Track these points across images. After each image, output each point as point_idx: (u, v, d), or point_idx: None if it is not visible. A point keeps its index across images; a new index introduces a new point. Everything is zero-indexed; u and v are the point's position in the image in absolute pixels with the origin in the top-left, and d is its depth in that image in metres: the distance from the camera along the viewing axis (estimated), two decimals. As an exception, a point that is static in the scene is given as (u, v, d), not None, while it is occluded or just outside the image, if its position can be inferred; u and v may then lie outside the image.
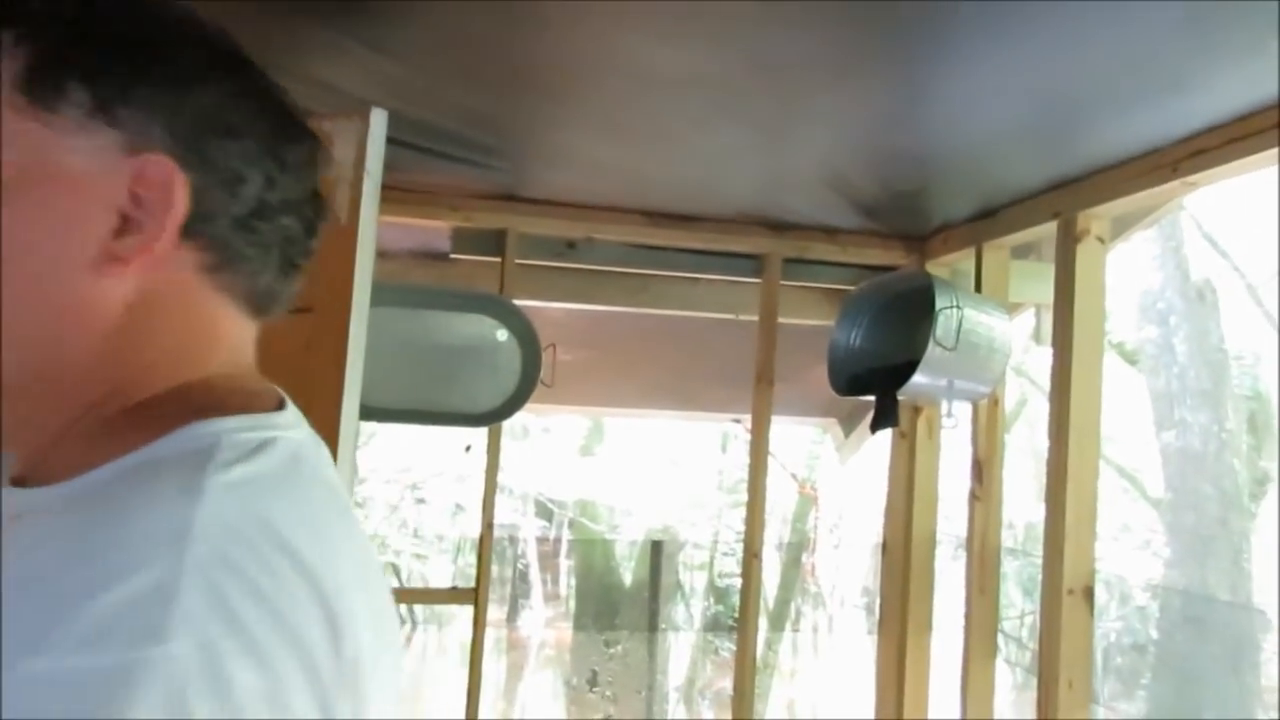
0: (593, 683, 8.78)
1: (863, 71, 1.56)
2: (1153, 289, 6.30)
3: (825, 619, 13.25)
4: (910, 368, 2.40)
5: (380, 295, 2.58)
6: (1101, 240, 2.29)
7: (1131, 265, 6.63)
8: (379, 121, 1.56)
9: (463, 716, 2.68)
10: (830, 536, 12.86)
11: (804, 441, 11.69)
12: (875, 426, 2.55)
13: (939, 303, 2.33)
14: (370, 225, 1.56)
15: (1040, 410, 11.52)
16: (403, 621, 11.00)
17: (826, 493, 12.09)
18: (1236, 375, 7.63)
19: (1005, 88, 1.64)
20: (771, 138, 1.93)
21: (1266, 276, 9.14)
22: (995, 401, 2.65)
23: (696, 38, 1.46)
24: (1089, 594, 2.20)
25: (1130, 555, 10.85)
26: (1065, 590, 2.17)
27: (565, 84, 1.71)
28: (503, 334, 2.64)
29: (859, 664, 11.94)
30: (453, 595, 3.36)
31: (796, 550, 11.38)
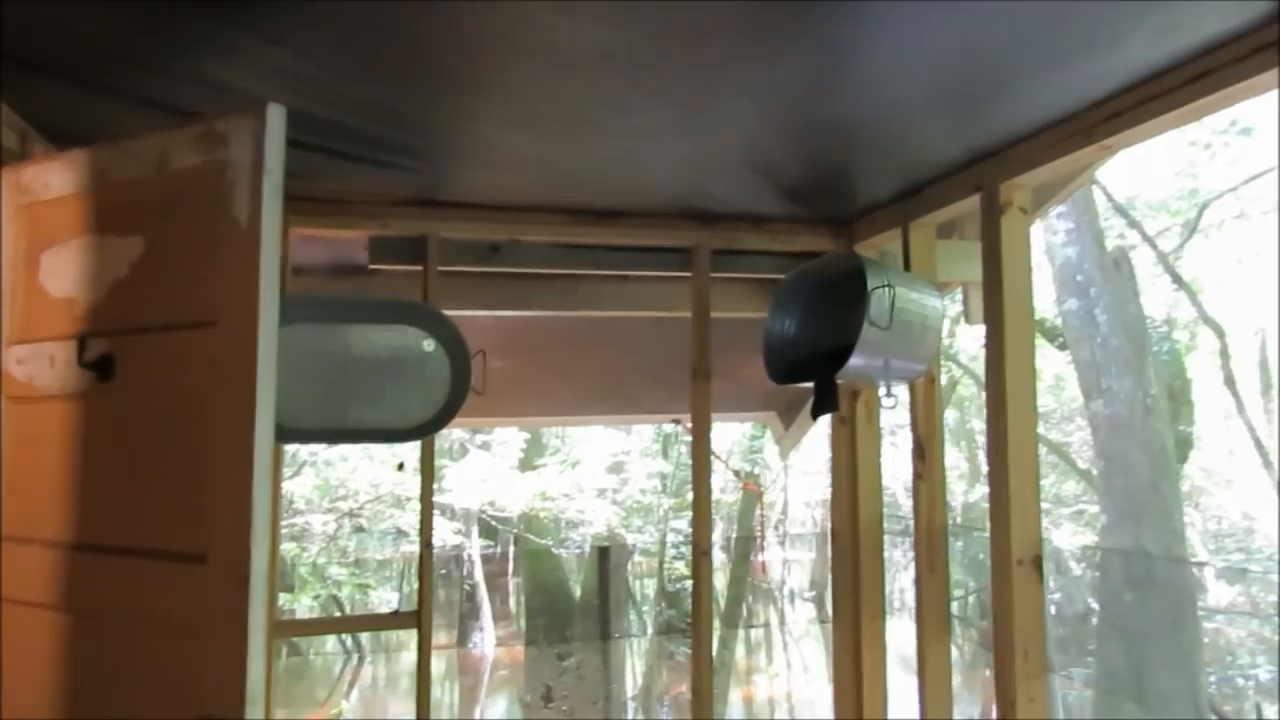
0: (547, 698, 8.63)
1: (780, 37, 1.52)
2: (1071, 261, 6.47)
3: (776, 614, 13.31)
4: (846, 351, 2.38)
5: (295, 310, 2.47)
6: (1024, 211, 2.30)
7: (1045, 241, 6.83)
8: (276, 117, 1.46)
9: (413, 745, 2.57)
10: (775, 531, 12.94)
11: (743, 438, 11.75)
12: (816, 412, 2.52)
13: (871, 283, 2.31)
14: (274, 229, 1.46)
15: (969, 392, 11.80)
16: (349, 653, 10.67)
17: (770, 488, 12.17)
18: (1154, 342, 7.89)
19: (923, 51, 1.63)
20: (690, 115, 1.88)
21: (1176, 244, 9.53)
22: (932, 380, 2.65)
23: (601, 6, 1.40)
24: (1038, 563, 2.20)
25: (1064, 526, 11.17)
26: (1015, 562, 2.17)
27: (471, 68, 1.64)
28: (429, 343, 2.54)
29: (813, 656, 12.04)
30: (394, 620, 3.23)
31: (744, 547, 11.40)
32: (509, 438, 10.83)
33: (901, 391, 2.60)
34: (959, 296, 3.50)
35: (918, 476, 2.64)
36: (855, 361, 2.34)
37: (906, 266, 2.68)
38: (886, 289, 2.32)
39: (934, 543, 2.59)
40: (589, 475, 11.09)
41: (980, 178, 2.31)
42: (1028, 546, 2.19)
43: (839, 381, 2.53)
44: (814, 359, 2.64)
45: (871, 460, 2.96)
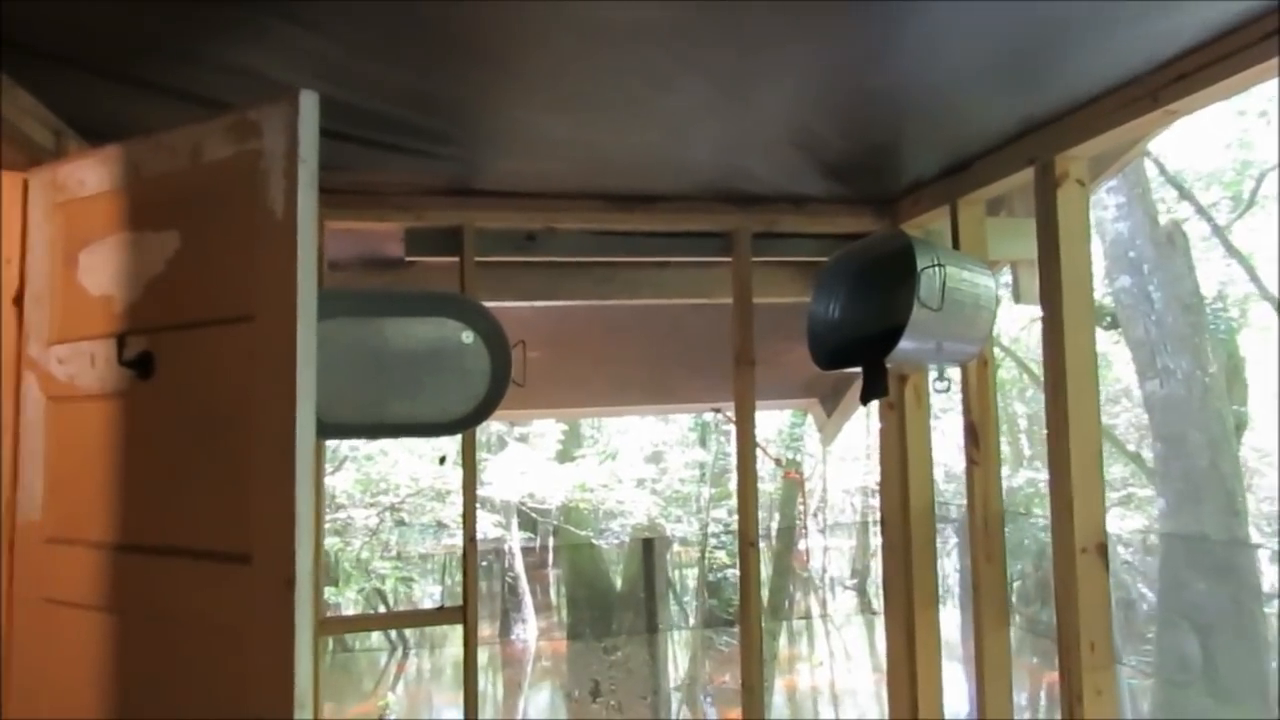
0: (595, 693, 8.60)
1: (827, 9, 1.44)
2: (1123, 237, 6.26)
3: (818, 603, 13.20)
4: (895, 334, 2.30)
5: (332, 304, 2.44)
6: (1081, 183, 2.20)
7: (1095, 217, 6.61)
8: (309, 104, 1.42)
9: (461, 739, 2.55)
10: (814, 520, 12.82)
11: (784, 425, 11.63)
12: (865, 398, 2.44)
13: (920, 262, 2.22)
14: (310, 218, 1.42)
15: (1010, 375, 11.56)
16: (394, 646, 10.76)
17: (809, 476, 12.05)
18: (1211, 319, 7.60)
19: (977, 12, 1.54)
20: (732, 92, 1.81)
21: (1228, 217, 9.20)
22: (985, 362, 2.56)
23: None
24: (1102, 550, 2.11)
25: (1111, 511, 10.88)
26: (1078, 549, 2.08)
27: (508, 48, 1.58)
28: (468, 335, 2.50)
29: (856, 645, 11.92)
30: (440, 615, 3.22)
31: (787, 536, 11.30)
32: (547, 430, 10.84)
33: (953, 375, 2.52)
34: (1007, 275, 3.40)
35: (971, 462, 2.55)
36: (905, 345, 2.26)
37: (955, 245, 2.59)
38: (937, 268, 2.24)
39: (991, 530, 2.51)
40: (627, 466, 11.06)
41: (1034, 149, 2.22)
42: (1092, 533, 2.10)
43: (888, 366, 2.44)
44: (860, 343, 2.56)
45: (922, 446, 2.87)
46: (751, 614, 2.76)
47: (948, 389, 2.43)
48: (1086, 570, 2.08)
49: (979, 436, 2.55)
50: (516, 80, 1.73)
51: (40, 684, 1.68)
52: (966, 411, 2.58)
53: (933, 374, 2.56)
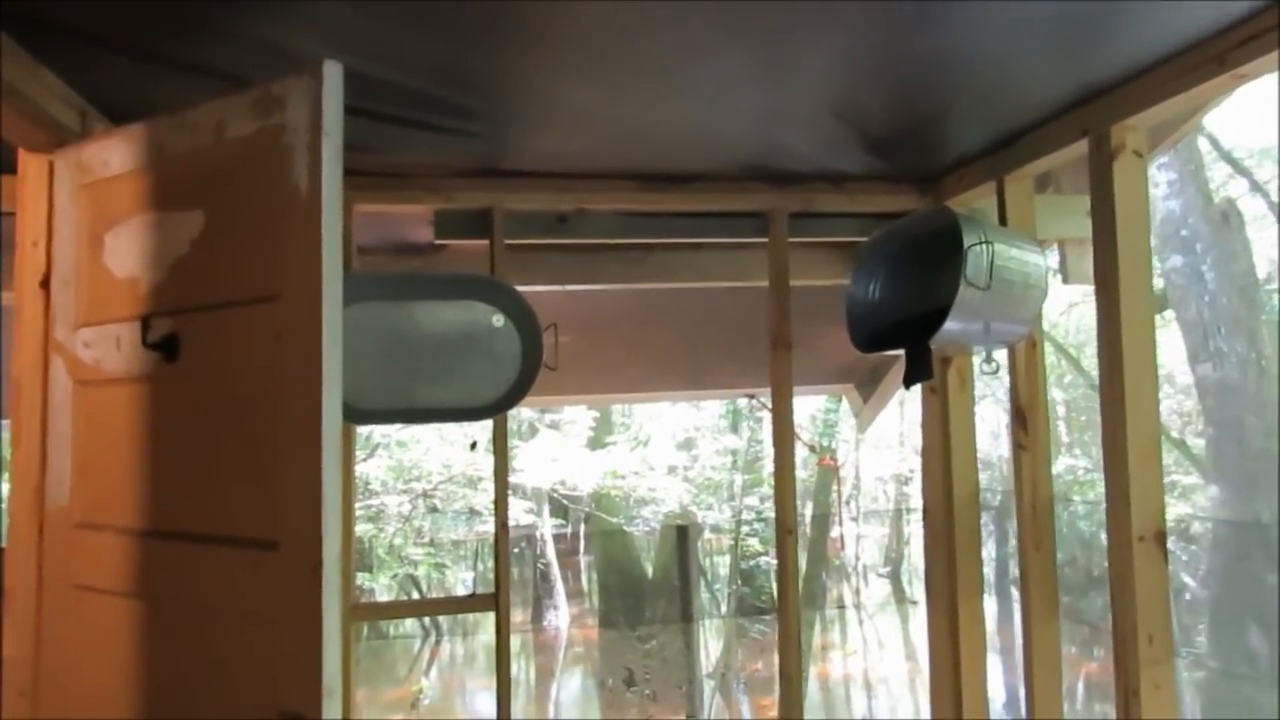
0: (629, 682, 8.54)
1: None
2: (1174, 215, 6.04)
3: (850, 591, 13.08)
4: (940, 315, 2.21)
5: (360, 288, 2.41)
6: (1139, 155, 2.10)
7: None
8: (333, 75, 1.37)
9: (494, 722, 2.52)
10: (848, 508, 12.68)
11: (818, 411, 11.49)
12: (909, 381, 2.36)
13: (967, 240, 2.13)
14: (335, 194, 1.37)
15: (1049, 359, 11.30)
16: (427, 632, 10.83)
17: (844, 463, 11.91)
18: (1266, 300, 7.31)
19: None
20: (773, 59, 1.73)
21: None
22: (1033, 343, 2.47)
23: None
24: (1161, 539, 2.02)
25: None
26: (1136, 538, 1.99)
27: (541, 15, 1.52)
28: (499, 318, 2.45)
29: (888, 633, 11.79)
30: (473, 602, 3.19)
31: (822, 525, 11.17)
32: (578, 417, 10.81)
33: (998, 357, 2.43)
34: (1054, 256, 3.28)
35: (1020, 447, 2.46)
36: (952, 326, 2.17)
37: (1002, 224, 2.49)
38: (984, 245, 2.15)
39: (1040, 517, 2.42)
40: (659, 452, 11.00)
41: (1088, 120, 2.11)
42: (1150, 521, 2.00)
43: (932, 348, 2.36)
44: (902, 325, 2.48)
45: (966, 432, 2.78)
46: (790, 602, 2.69)
47: (996, 371, 2.33)
48: (1144, 559, 1.99)
49: (1027, 420, 2.45)
50: (548, 50, 1.66)
51: (69, 670, 1.66)
52: (1014, 395, 2.49)
53: (979, 357, 2.47)
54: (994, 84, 1.97)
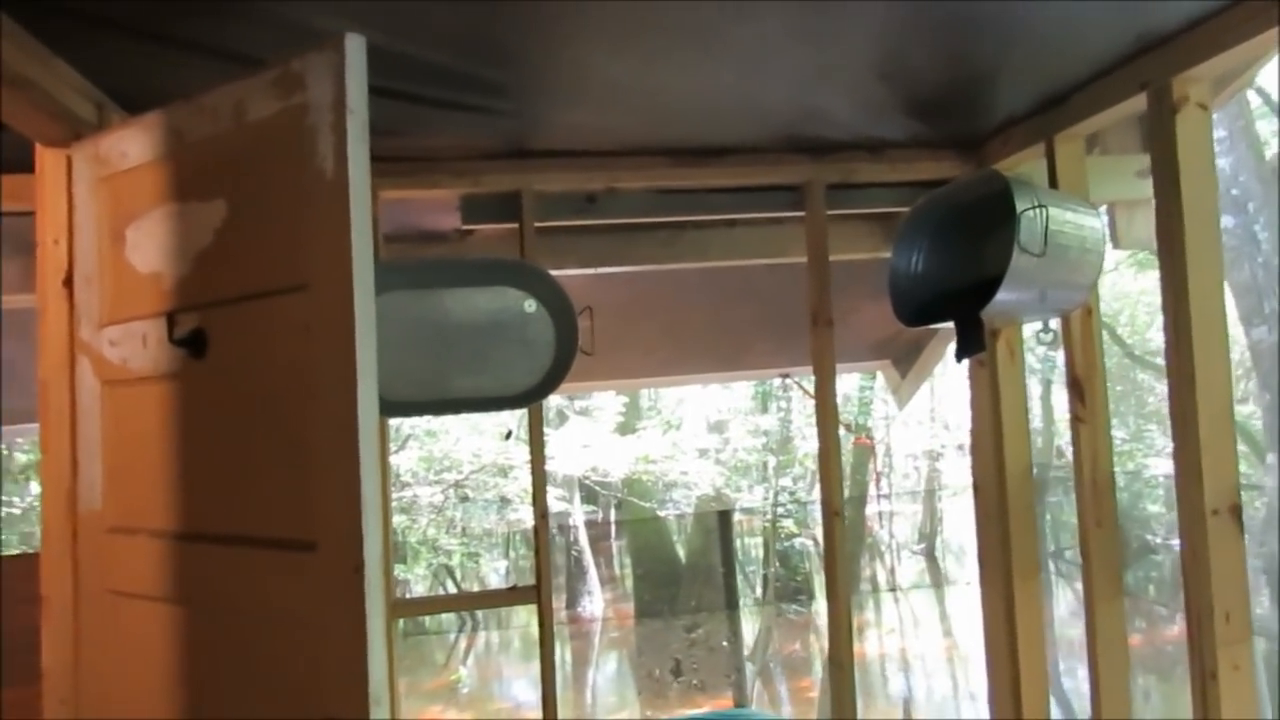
0: (677, 672, 8.47)
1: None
2: (1225, 174, 5.81)
3: (885, 570, 12.97)
4: (989, 285, 2.11)
5: (389, 276, 2.34)
6: (1204, 108, 1.98)
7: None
8: (356, 48, 1.30)
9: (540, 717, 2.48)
10: (881, 485, 12.55)
11: (852, 390, 11.35)
12: (960, 354, 2.26)
13: (1020, 204, 2.03)
14: (362, 175, 1.30)
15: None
16: (463, 621, 10.86)
17: (880, 441, 11.77)
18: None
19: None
20: (817, 17, 1.62)
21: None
22: (1089, 311, 2.35)
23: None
24: (1236, 512, 1.91)
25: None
26: (1209, 511, 1.88)
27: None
28: (531, 304, 2.38)
29: (923, 612, 11.68)
30: (514, 595, 3.14)
31: (858, 505, 11.05)
32: (607, 403, 10.76)
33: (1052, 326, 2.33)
34: (1103, 218, 3.15)
35: (1078, 420, 2.35)
36: (1005, 295, 2.07)
37: (1053, 186, 2.38)
38: (1038, 210, 2.04)
39: (1100, 493, 2.31)
40: (690, 436, 10.93)
41: (1148, 71, 1.99)
42: (1224, 494, 1.90)
43: (983, 319, 2.25)
44: (950, 296, 2.38)
45: (1017, 405, 2.67)
46: (839, 585, 2.61)
47: (1052, 340, 2.23)
48: (1219, 534, 1.88)
49: (1084, 392, 2.35)
50: (581, 15, 1.57)
51: (109, 677, 1.62)
52: (1070, 365, 2.38)
53: (1034, 326, 2.37)
54: (1047, 36, 1.86)
